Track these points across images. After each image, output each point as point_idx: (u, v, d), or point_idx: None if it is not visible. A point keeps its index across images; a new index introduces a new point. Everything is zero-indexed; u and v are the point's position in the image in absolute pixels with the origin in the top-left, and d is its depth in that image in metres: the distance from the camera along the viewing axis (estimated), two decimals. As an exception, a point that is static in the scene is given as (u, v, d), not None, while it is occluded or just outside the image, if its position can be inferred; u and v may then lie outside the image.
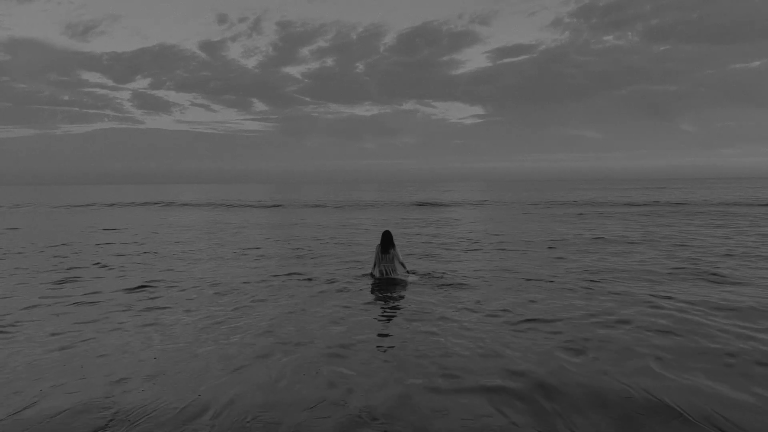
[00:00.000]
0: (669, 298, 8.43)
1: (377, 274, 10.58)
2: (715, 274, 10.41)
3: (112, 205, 47.05)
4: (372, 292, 9.48)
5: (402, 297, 8.95)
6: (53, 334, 6.93)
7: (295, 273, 11.44)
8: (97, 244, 17.68)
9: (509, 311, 7.74)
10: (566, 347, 6.09)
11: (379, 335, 6.71)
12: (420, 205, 43.09)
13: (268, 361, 5.76)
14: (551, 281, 10.02)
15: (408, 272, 10.73)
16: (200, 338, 6.67)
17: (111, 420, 4.43)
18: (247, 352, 6.09)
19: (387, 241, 10.60)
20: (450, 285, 9.83)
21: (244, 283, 10.42)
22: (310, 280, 10.65)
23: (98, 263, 13.19)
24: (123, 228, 24.67)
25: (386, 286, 9.79)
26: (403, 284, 10.01)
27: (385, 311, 7.99)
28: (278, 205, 44.69)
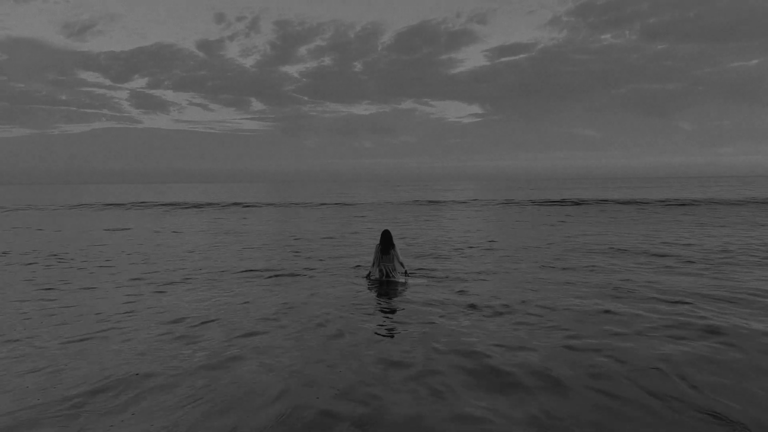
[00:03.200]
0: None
1: (377, 275, 10.41)
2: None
3: (110, 205, 46.71)
4: (372, 294, 9.30)
5: (403, 306, 8.61)
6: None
7: (292, 274, 11.31)
8: (87, 252, 17.35)
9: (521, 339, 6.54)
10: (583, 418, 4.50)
11: (383, 356, 6.01)
12: (419, 204, 42.88)
13: (257, 375, 5.41)
14: (565, 293, 9.03)
15: (406, 272, 10.58)
16: (195, 352, 6.46)
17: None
18: (240, 361, 5.91)
19: (387, 241, 10.41)
20: (456, 291, 9.38)
21: (238, 282, 10.30)
22: (309, 279, 10.53)
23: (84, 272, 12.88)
24: (117, 232, 24.39)
25: (387, 291, 9.51)
26: (404, 288, 9.72)
27: (386, 323, 7.43)
28: (276, 204, 44.50)
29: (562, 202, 39.87)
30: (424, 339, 6.52)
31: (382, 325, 7.22)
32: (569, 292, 9.03)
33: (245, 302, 8.63)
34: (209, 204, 45.18)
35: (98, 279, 10.99)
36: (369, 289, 9.71)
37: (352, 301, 8.61)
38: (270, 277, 11.02)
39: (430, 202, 44.89)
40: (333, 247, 15.87)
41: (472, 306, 8.18)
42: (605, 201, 40.11)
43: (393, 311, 8.01)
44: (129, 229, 23.77)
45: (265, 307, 8.27)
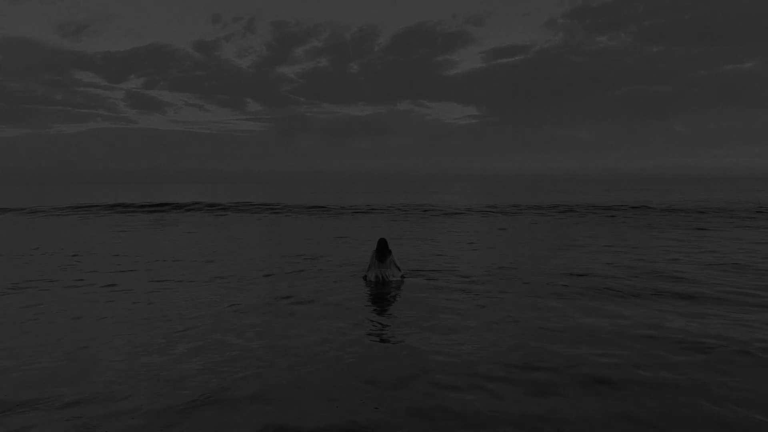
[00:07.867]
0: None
1: (373, 279, 10.43)
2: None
3: (114, 206, 46.17)
4: (368, 301, 9.28)
5: (399, 305, 8.74)
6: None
7: (286, 273, 11.55)
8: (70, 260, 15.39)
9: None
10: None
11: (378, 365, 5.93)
12: (417, 205, 41.97)
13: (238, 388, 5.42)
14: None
15: (402, 276, 10.64)
16: (183, 354, 6.44)
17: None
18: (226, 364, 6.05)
19: (383, 249, 10.45)
20: (459, 292, 9.43)
21: (230, 284, 10.52)
22: (302, 279, 10.78)
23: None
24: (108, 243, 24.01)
25: (382, 295, 9.61)
26: (398, 287, 9.96)
27: (383, 329, 7.46)
28: (274, 204, 44.19)
29: (563, 207, 38.86)
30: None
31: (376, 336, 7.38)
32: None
33: (231, 305, 8.88)
34: (208, 205, 44.87)
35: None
36: (367, 292, 9.84)
37: (346, 310, 8.57)
38: (259, 274, 11.40)
39: (428, 204, 44.06)
40: (328, 248, 15.90)
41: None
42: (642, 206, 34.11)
43: (388, 323, 7.82)
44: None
45: (252, 314, 8.42)
